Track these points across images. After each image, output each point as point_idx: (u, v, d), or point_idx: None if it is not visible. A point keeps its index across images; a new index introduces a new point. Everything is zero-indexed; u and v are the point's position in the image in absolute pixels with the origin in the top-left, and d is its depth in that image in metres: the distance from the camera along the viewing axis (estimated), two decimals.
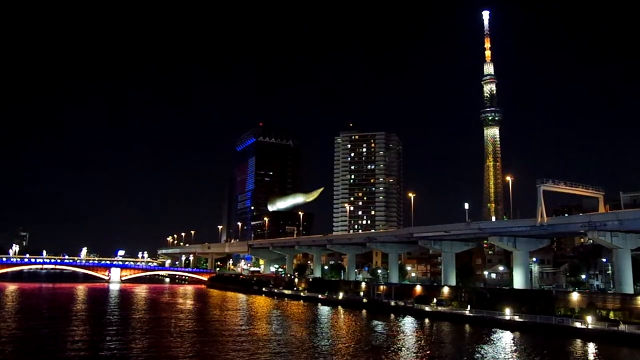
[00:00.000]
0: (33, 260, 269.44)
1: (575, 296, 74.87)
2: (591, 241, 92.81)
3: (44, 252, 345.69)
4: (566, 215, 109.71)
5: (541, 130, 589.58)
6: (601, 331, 60.26)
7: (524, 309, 72.74)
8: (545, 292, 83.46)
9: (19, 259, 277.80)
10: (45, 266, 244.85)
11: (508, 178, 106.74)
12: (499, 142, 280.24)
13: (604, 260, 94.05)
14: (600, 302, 70.50)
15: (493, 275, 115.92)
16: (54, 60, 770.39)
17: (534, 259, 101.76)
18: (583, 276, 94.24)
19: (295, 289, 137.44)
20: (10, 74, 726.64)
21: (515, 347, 57.88)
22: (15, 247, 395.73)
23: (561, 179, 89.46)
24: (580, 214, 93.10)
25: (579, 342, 59.53)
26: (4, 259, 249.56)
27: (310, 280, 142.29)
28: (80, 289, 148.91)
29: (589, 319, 63.02)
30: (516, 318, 71.33)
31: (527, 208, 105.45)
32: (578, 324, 63.72)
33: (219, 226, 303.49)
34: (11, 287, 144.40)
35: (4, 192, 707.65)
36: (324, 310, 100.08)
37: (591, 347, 57.05)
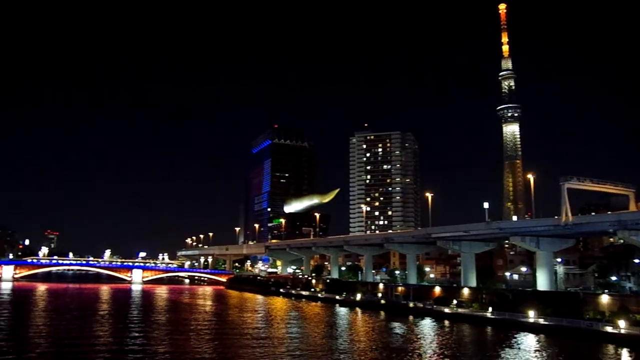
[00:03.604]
0: (60, 262, 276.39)
1: (605, 299, 72.22)
2: (621, 241, 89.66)
3: (71, 254, 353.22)
4: (593, 214, 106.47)
5: (564, 126, 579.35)
6: (636, 336, 57.50)
7: (548, 312, 70.61)
8: (572, 294, 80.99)
9: (47, 261, 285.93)
10: (71, 267, 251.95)
11: (529, 176, 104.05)
12: (519, 139, 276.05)
13: (637, 261, 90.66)
14: (634, 306, 67.55)
15: (515, 277, 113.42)
16: (77, 57, 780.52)
17: (559, 260, 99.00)
18: (613, 278, 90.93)
19: (312, 290, 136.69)
20: (28, 77, 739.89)
21: (541, 351, 56.00)
22: (45, 249, 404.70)
23: (586, 176, 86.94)
24: (609, 213, 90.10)
25: (611, 347, 56.93)
26: (35, 261, 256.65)
27: (328, 281, 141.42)
28: (105, 289, 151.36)
29: (621, 323, 60.36)
30: (540, 321, 69.30)
31: (550, 207, 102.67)
32: (609, 328, 61.07)
33: (236, 228, 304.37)
34: (41, 287, 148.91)
35: (34, 196, 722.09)
36: (342, 311, 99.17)
37: (625, 354, 54.46)
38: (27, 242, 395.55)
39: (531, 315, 70.93)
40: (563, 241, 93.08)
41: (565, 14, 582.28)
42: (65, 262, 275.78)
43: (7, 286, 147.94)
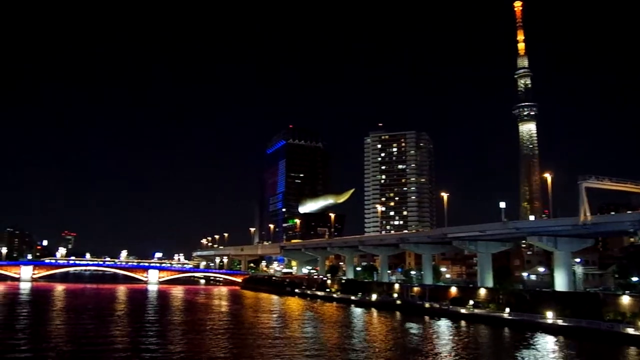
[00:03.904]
0: (78, 262, 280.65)
1: (626, 300, 70.63)
2: None
3: (88, 255, 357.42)
4: (612, 213, 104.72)
5: (581, 124, 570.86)
6: None
7: (567, 313, 69.58)
8: (591, 294, 79.61)
9: (65, 261, 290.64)
10: (88, 268, 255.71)
11: (546, 175, 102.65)
12: (535, 138, 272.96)
13: None
14: None
15: (532, 277, 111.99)
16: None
17: (577, 260, 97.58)
18: (634, 279, 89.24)
19: (327, 290, 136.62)
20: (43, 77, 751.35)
21: (560, 353, 55.30)
22: (62, 250, 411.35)
23: (605, 175, 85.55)
24: (629, 212, 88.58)
25: (632, 350, 55.74)
26: (53, 261, 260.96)
27: (343, 281, 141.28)
28: (121, 289, 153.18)
29: None
30: (559, 322, 68.34)
31: (568, 206, 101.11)
32: (630, 330, 59.84)
33: (251, 228, 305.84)
34: (59, 288, 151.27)
35: (52, 198, 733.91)
36: (357, 311, 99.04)
37: None
38: (45, 243, 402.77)
39: (549, 316, 69.98)
40: (582, 241, 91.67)
41: (580, 9, 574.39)
42: (82, 262, 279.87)
43: (26, 286, 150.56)
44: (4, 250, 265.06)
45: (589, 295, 78.82)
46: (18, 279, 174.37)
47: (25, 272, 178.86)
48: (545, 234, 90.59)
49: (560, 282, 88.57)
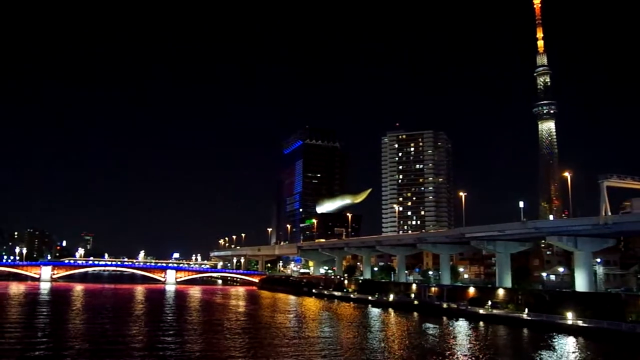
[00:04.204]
0: (97, 262, 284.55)
1: None
2: None
3: (106, 255, 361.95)
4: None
5: (601, 123, 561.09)
6: None
7: (587, 313, 68.59)
8: (613, 295, 78.22)
9: (84, 262, 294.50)
10: (107, 268, 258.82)
11: (566, 174, 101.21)
12: (555, 137, 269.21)
13: None
14: None
15: (552, 277, 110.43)
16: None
17: (598, 260, 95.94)
18: None
19: (345, 290, 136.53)
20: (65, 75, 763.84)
21: (581, 354, 54.41)
22: (81, 250, 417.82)
23: (628, 174, 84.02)
24: None
25: None
26: (71, 262, 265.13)
27: (360, 281, 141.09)
28: (139, 289, 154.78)
29: None
30: (579, 323, 67.33)
31: (588, 206, 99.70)
32: None
33: (268, 229, 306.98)
34: (78, 288, 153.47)
35: (70, 199, 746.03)
36: (375, 312, 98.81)
37: None
38: (64, 243, 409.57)
39: (569, 317, 69.03)
40: (603, 241, 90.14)
41: (598, 4, 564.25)
42: (101, 262, 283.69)
43: (45, 286, 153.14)
44: (24, 250, 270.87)
45: (610, 296, 77.46)
46: (38, 279, 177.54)
47: (45, 272, 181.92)
48: (565, 233, 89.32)
49: (581, 283, 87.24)
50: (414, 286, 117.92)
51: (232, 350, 51.65)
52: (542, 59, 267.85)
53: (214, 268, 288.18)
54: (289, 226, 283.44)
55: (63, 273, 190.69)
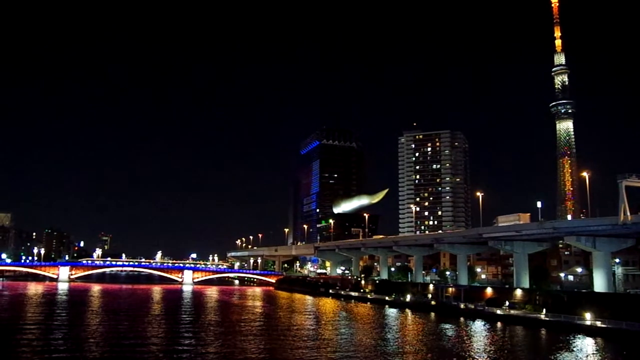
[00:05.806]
0: (114, 263, 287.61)
1: None
2: None
3: (123, 256, 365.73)
4: None
5: (621, 122, 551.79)
6: None
7: (606, 314, 68.15)
8: (632, 296, 77.68)
9: (101, 262, 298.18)
10: (124, 269, 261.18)
11: (584, 173, 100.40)
12: (573, 136, 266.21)
13: None
14: None
15: (570, 278, 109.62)
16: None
17: (617, 260, 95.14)
18: None
19: (361, 291, 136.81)
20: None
21: (599, 355, 54.25)
22: (99, 251, 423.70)
23: None
24: None
25: None
26: (89, 262, 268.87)
27: (377, 282, 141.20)
28: (157, 290, 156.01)
29: None
30: (598, 323, 66.96)
31: (608, 206, 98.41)
32: None
33: (285, 229, 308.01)
34: (96, 288, 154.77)
35: (88, 200, 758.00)
36: (392, 312, 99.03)
37: None
38: (82, 244, 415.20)
39: (588, 318, 68.70)
40: (622, 241, 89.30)
41: (616, 3, 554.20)
42: (118, 263, 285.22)
43: (63, 286, 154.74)
44: (42, 251, 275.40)
45: (629, 297, 76.92)
46: (56, 279, 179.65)
47: (63, 273, 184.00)
48: (583, 233, 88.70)
49: (600, 283, 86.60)
50: (431, 287, 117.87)
51: (249, 351, 51.98)
52: (560, 58, 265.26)
53: (230, 268, 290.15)
54: (305, 226, 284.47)
55: (81, 273, 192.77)
